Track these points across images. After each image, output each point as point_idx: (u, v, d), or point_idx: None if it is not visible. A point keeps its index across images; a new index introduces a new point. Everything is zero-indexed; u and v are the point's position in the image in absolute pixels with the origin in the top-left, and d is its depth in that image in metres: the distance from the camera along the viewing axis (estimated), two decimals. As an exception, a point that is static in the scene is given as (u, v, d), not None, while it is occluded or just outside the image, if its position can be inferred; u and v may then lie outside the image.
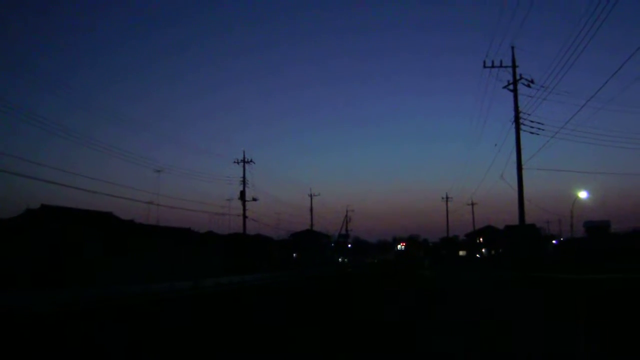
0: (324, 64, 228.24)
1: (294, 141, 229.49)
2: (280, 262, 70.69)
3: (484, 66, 33.34)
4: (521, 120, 32.75)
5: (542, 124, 32.30)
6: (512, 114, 33.12)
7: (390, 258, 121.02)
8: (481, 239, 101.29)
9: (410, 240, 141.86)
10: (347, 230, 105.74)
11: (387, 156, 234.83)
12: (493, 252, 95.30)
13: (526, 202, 32.74)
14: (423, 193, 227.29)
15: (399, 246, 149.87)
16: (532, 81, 32.32)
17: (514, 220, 35.13)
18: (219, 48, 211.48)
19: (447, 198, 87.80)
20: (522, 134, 32.80)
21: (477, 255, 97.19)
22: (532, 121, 32.52)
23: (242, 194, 54.43)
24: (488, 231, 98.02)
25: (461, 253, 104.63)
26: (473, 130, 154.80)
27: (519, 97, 32.99)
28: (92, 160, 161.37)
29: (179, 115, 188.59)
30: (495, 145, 59.03)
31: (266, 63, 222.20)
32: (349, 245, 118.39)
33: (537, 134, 32.40)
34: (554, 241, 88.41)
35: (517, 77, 32.89)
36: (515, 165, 32.80)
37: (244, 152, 55.48)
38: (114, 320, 14.72)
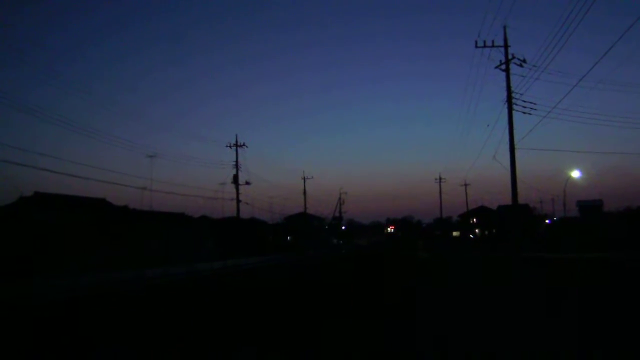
0: (315, 49, 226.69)
1: (287, 126, 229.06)
2: (274, 246, 70.94)
3: (476, 46, 33.27)
4: (513, 100, 32.80)
5: (535, 104, 32.40)
6: (504, 94, 33.17)
7: (379, 240, 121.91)
8: (474, 220, 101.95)
9: (403, 223, 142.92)
10: (340, 212, 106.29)
11: (380, 139, 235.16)
12: (486, 232, 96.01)
13: (519, 182, 32.93)
14: (416, 175, 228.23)
15: (388, 229, 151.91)
16: (524, 61, 32.34)
17: (507, 200, 35.40)
18: (211, 35, 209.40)
19: (440, 179, 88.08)
20: (514, 114, 32.89)
21: (471, 236, 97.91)
22: (524, 101, 32.61)
23: (235, 178, 54.39)
24: (481, 212, 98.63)
25: (455, 234, 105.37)
26: (465, 111, 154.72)
27: (512, 77, 33.02)
28: (85, 147, 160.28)
29: (172, 102, 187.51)
30: (488, 125, 58.95)
31: (258, 49, 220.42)
32: (343, 228, 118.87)
33: (530, 114, 32.49)
34: (547, 220, 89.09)
35: (509, 57, 32.85)
36: (508, 146, 32.93)
37: (236, 136, 55.31)
38: (109, 308, 14.87)
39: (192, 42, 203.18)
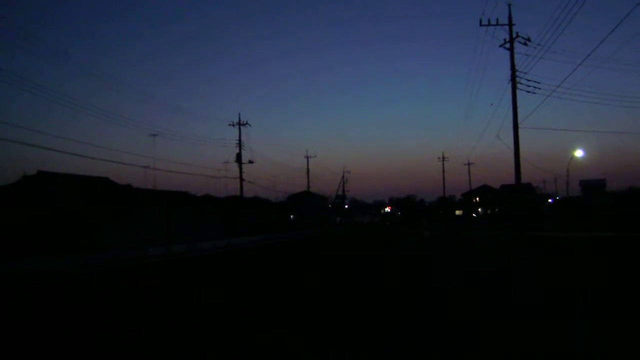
0: (319, 29, 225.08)
1: (291, 105, 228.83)
2: (277, 224, 71.24)
3: (480, 24, 32.95)
4: (517, 79, 32.60)
5: (539, 83, 32.21)
6: (508, 73, 32.96)
7: (381, 220, 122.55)
8: (477, 199, 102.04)
9: (405, 202, 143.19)
10: (344, 191, 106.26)
11: (384, 118, 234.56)
12: (489, 211, 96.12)
13: (522, 162, 32.90)
14: (420, 154, 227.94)
15: (386, 209, 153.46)
16: (528, 39, 32.04)
17: (510, 179, 35.36)
18: (215, 15, 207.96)
19: (443, 158, 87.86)
20: (518, 93, 32.72)
21: (474, 215, 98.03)
22: (528, 80, 32.41)
23: (238, 157, 54.37)
24: (484, 191, 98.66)
25: (458, 213, 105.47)
26: (469, 90, 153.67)
27: (516, 56, 32.76)
28: (89, 126, 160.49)
29: (177, 81, 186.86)
30: (492, 104, 58.58)
31: (262, 29, 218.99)
32: (346, 206, 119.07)
33: (534, 93, 32.34)
34: (549, 200, 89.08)
35: (514, 36, 32.55)
36: (511, 125, 32.82)
37: (239, 115, 55.25)
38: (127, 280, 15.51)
39: (196, 22, 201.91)
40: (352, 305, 9.83)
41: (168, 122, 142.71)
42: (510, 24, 32.67)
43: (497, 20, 32.77)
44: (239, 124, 54.51)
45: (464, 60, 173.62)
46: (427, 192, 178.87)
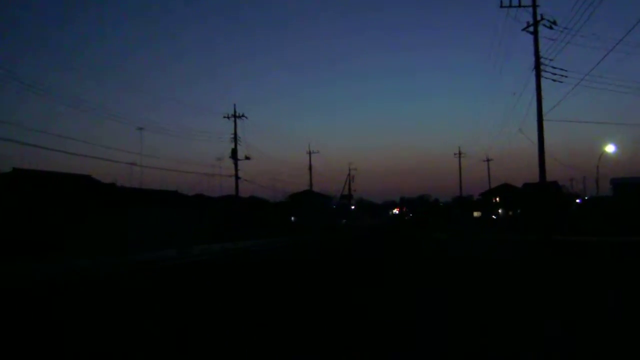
0: (323, 16, 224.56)
1: (292, 98, 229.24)
2: (277, 226, 71.18)
3: (501, 5, 32.63)
4: (542, 67, 32.28)
5: (565, 71, 31.86)
6: (531, 60, 32.64)
7: (385, 223, 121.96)
8: (497, 199, 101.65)
9: (418, 202, 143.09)
10: (350, 190, 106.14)
11: (394, 111, 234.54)
12: (510, 212, 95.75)
13: (547, 158, 32.62)
14: (434, 150, 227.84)
15: (394, 211, 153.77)
16: (554, 22, 31.69)
17: (534, 177, 35.07)
18: (208, 3, 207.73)
19: (459, 154, 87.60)
20: (543, 81, 32.38)
21: (493, 217, 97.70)
22: (554, 67, 32.07)
23: (234, 152, 54.23)
24: (505, 190, 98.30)
25: (475, 214, 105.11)
26: (488, 79, 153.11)
27: (540, 41, 32.43)
28: (71, 120, 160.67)
29: (167, 71, 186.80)
30: (514, 94, 58.20)
31: (261, 18, 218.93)
32: (352, 207, 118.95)
33: (560, 82, 31.98)
34: (577, 200, 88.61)
35: (538, 18, 32.20)
36: (535, 117, 32.52)
37: (234, 106, 55.07)
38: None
39: (188, 11, 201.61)
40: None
41: (157, 115, 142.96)
42: (534, 5, 32.33)
43: (520, 0, 32.46)
44: (235, 116, 54.39)
45: (483, 47, 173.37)
46: (442, 192, 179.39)
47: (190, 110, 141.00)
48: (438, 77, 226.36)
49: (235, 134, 54.28)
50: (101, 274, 21.15)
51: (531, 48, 32.53)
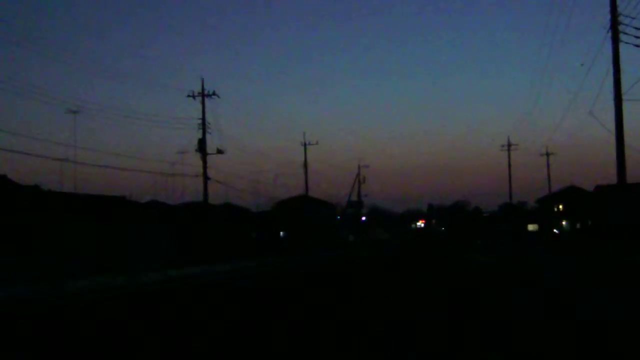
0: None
1: (281, 75, 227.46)
2: (260, 244, 71.15)
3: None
4: (620, 28, 32.25)
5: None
6: (606, 18, 32.63)
7: (408, 239, 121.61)
8: (560, 207, 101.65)
9: (453, 211, 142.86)
10: (360, 196, 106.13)
11: (419, 93, 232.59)
12: (579, 225, 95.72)
13: (628, 150, 32.60)
14: (472, 142, 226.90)
15: (418, 223, 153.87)
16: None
17: (611, 178, 35.02)
18: None
19: (508, 146, 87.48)
20: (622, 47, 32.36)
21: (555, 231, 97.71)
22: (636, 28, 32.03)
23: (201, 144, 54.07)
24: (571, 194, 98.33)
25: (531, 228, 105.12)
26: (546, 48, 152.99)
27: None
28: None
29: (112, 37, 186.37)
30: (582, 65, 58.37)
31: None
32: (363, 219, 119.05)
33: (645, 48, 32.01)
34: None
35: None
36: (611, 96, 32.51)
37: (202, 81, 54.83)
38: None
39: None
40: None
41: (98, 94, 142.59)
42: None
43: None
44: (202, 94, 54.26)
45: (541, 6, 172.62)
46: (485, 197, 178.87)
47: (141, 86, 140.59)
48: (478, 48, 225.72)
49: (203, 118, 54.23)
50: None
51: (605, 2, 32.55)
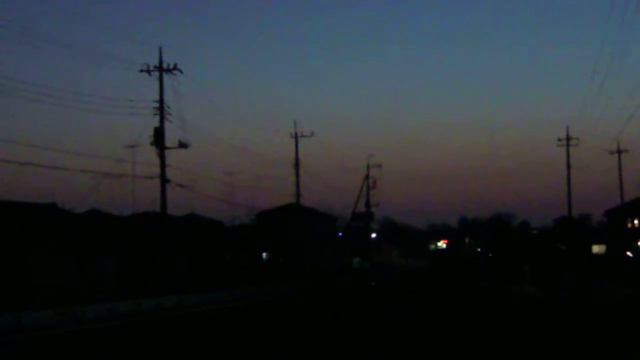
0: None
1: (265, 45, 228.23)
2: (236, 269, 71.39)
3: None
4: None
5: None
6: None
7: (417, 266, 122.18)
8: (636, 222, 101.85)
9: (491, 227, 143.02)
10: (368, 205, 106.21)
11: (445, 72, 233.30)
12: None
13: None
14: (518, 137, 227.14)
15: (438, 243, 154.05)
16: None
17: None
18: None
19: (567, 140, 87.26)
20: None
21: (629, 254, 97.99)
22: None
23: (158, 134, 54.09)
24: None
25: (596, 249, 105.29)
26: (610, 22, 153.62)
27: None
28: None
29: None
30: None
31: None
32: (373, 235, 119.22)
33: None
34: None
35: None
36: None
37: (159, 51, 54.76)
38: None
39: None
40: None
41: (17, 67, 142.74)
42: None
43: None
44: (160, 69, 54.34)
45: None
46: (533, 209, 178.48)
47: (78, 58, 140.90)
48: (524, 20, 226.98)
49: (160, 100, 54.28)
50: None
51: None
